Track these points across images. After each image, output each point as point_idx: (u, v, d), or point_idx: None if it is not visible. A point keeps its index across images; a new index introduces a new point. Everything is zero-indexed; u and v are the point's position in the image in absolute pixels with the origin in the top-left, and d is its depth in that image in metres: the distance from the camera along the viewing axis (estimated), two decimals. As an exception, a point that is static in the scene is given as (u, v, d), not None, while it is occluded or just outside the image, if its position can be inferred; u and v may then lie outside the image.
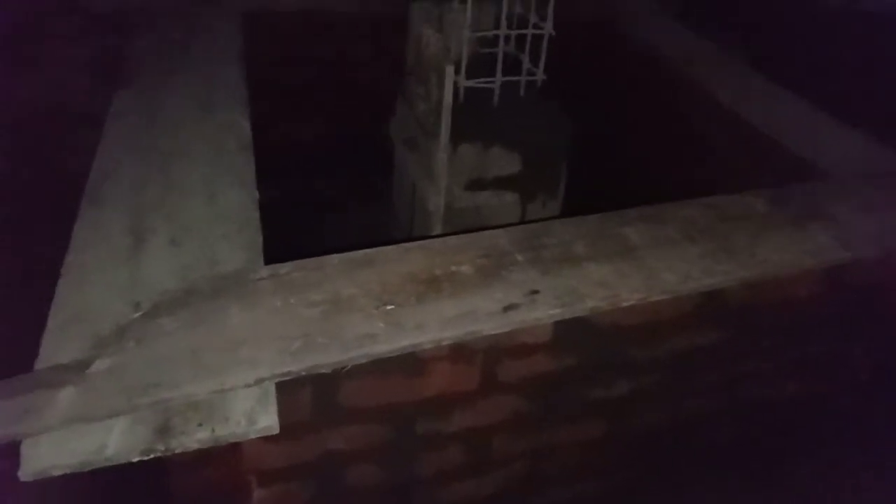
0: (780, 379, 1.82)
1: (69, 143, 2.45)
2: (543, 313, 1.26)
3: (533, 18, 2.05)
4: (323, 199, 2.88)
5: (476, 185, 2.11)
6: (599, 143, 2.76)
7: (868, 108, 2.17)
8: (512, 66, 2.16)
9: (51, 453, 0.97)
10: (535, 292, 1.29)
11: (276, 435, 1.18)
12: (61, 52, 2.56)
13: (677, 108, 2.52)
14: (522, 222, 2.14)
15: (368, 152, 2.71)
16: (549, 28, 1.99)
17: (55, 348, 1.12)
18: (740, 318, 1.58)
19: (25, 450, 0.97)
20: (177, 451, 1.00)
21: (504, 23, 1.98)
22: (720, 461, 1.90)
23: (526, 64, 2.11)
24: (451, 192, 2.07)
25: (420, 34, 2.04)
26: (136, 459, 0.99)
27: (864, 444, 1.94)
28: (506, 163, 2.10)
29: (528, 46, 2.09)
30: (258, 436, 1.05)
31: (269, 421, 1.05)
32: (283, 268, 1.31)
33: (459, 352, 1.32)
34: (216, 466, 1.52)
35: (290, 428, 1.19)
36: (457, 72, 1.96)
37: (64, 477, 0.98)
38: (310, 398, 1.26)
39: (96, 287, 1.26)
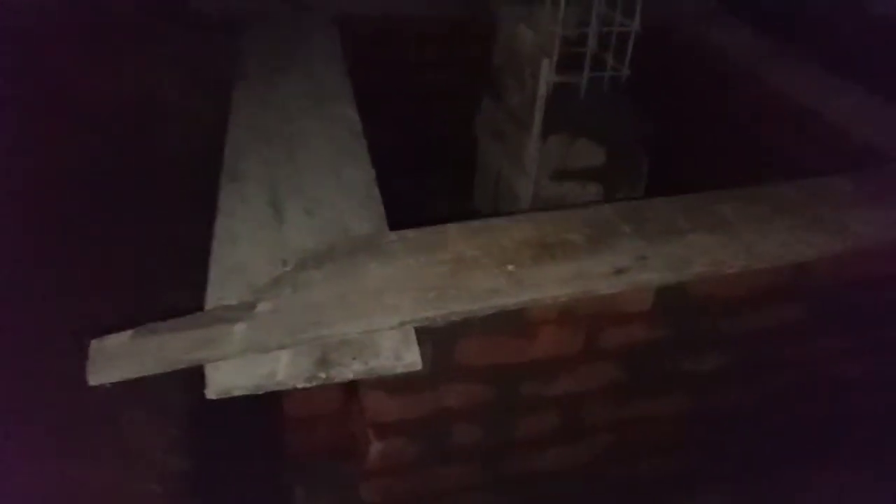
0: (863, 359, 1.87)
1: (164, 134, 2.67)
2: (653, 276, 1.36)
3: (618, 17, 2.17)
4: (402, 196, 3.02)
5: (562, 175, 2.22)
6: (676, 141, 2.84)
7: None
8: (594, 64, 2.27)
9: (231, 377, 1.11)
10: (644, 258, 1.39)
11: (397, 389, 1.31)
12: (162, 49, 2.79)
13: (746, 106, 2.59)
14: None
15: (445, 153, 2.85)
16: (635, 26, 2.10)
17: (220, 295, 1.27)
18: (831, 292, 1.64)
19: (209, 373, 1.12)
20: (336, 381, 1.13)
21: (594, 21, 2.10)
22: (802, 443, 1.95)
23: (610, 61, 2.23)
24: (538, 181, 2.19)
25: (513, 32, 2.18)
26: (301, 386, 1.13)
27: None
28: (591, 155, 2.20)
29: (613, 44, 2.21)
30: (405, 370, 1.17)
31: (413, 357, 1.17)
32: (410, 233, 1.45)
33: (566, 316, 1.43)
34: (337, 420, 1.66)
35: (407, 383, 1.32)
36: (550, 63, 2.08)
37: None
38: (428, 355, 1.38)
39: (245, 247, 1.41)
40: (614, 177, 2.25)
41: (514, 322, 1.38)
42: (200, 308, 1.23)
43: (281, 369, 1.13)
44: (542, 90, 1.97)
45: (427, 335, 1.29)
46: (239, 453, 1.78)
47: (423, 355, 1.31)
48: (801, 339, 1.73)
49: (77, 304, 1.94)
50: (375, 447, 1.52)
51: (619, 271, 1.36)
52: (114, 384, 1.09)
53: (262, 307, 1.22)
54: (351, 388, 1.53)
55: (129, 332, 1.15)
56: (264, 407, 1.46)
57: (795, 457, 1.95)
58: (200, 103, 2.74)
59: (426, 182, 3.10)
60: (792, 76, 2.43)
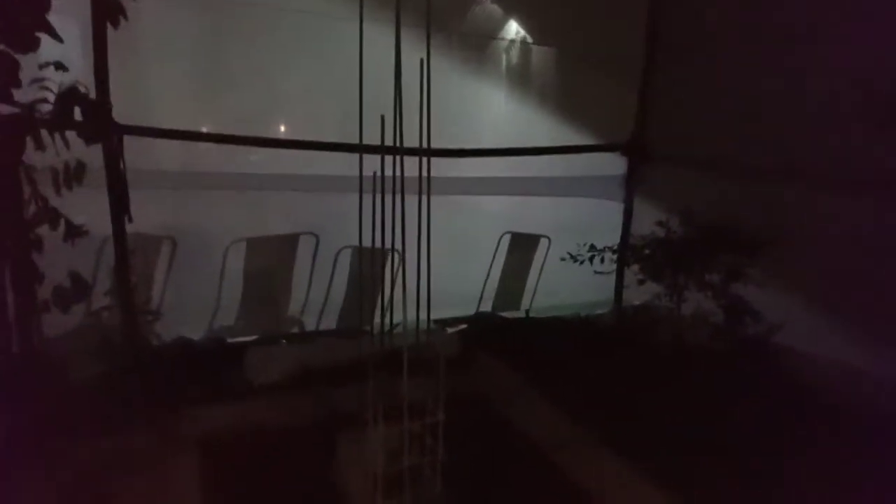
0: None
1: None
2: None
3: (428, 440, 2.80)
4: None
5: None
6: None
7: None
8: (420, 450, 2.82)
9: None
10: None
11: None
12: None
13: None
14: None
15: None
16: (440, 451, 2.73)
17: None
18: None
19: None
20: None
21: (406, 449, 2.70)
22: None
23: (427, 474, 2.81)
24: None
25: (343, 465, 2.75)
26: None
27: None
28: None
29: (429, 460, 2.81)
30: None
31: None
32: None
33: None
34: None
35: None
36: (375, 488, 2.62)
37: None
38: None
39: None
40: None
41: None
42: None
43: None
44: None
45: None
46: None
47: None
48: None
49: None
50: None
51: None
52: None
53: None
54: None
55: None
56: None
57: None
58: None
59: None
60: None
